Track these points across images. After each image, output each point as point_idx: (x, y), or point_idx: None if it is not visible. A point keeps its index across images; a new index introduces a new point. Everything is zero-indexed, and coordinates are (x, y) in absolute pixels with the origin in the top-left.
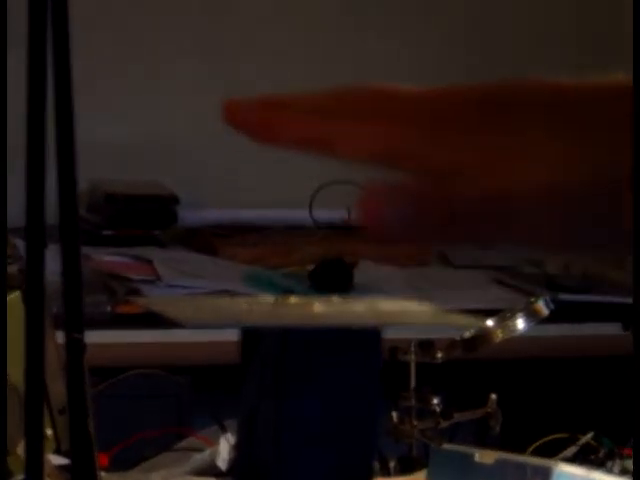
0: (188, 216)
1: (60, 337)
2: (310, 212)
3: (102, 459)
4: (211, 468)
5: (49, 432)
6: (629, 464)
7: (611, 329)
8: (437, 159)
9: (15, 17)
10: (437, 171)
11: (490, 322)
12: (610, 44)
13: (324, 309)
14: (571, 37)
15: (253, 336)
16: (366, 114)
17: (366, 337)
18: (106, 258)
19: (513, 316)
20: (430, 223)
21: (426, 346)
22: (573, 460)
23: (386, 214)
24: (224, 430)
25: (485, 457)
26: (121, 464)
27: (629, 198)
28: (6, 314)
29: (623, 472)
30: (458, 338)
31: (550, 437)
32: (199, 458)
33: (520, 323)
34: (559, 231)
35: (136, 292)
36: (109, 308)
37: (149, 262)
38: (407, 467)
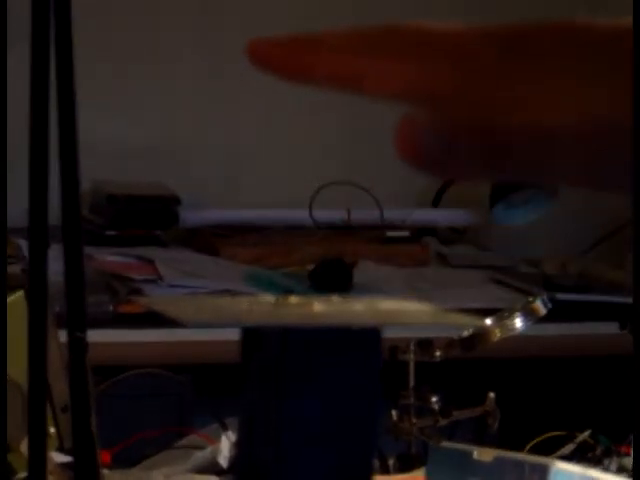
0: (189, 216)
1: (63, 336)
2: (310, 212)
3: (104, 457)
4: (212, 466)
5: (52, 430)
6: (626, 462)
7: (608, 328)
8: (468, 98)
9: (17, 17)
10: (469, 110)
11: (488, 321)
12: None
13: (324, 309)
14: None
15: (253, 335)
16: (397, 52)
17: (366, 337)
18: (108, 258)
19: (511, 315)
20: (468, 152)
21: (425, 345)
22: (570, 458)
23: (424, 139)
24: (225, 428)
25: (483, 455)
26: (123, 462)
27: None
28: (6, 314)
29: (620, 470)
30: (457, 337)
31: (548, 435)
32: (200, 456)
33: (518, 322)
34: (589, 167)
35: (138, 292)
36: (111, 308)
37: (151, 262)
38: (406, 465)
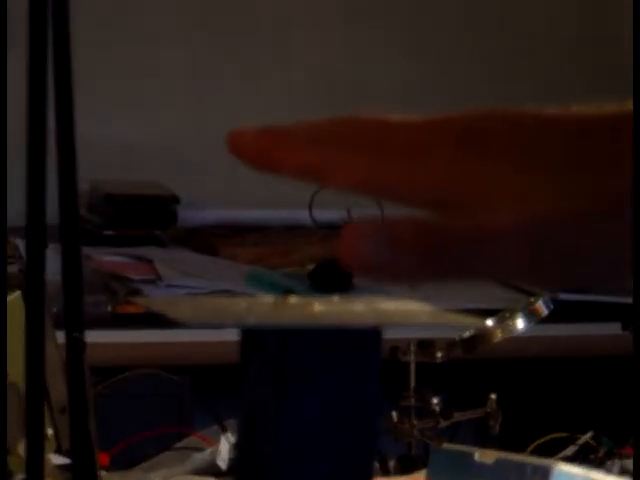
0: (188, 216)
1: (60, 336)
2: (310, 212)
3: (103, 458)
4: (211, 467)
5: (50, 432)
6: (628, 464)
7: (610, 329)
8: (419, 191)
9: (15, 17)
10: (419, 203)
11: (490, 322)
12: (610, 67)
13: (324, 309)
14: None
15: (253, 336)
16: (355, 144)
17: (366, 337)
18: (106, 258)
19: (512, 316)
20: (407, 260)
21: (426, 346)
22: (572, 460)
23: (364, 248)
24: (224, 430)
25: (485, 457)
26: (122, 463)
27: (604, 228)
28: (6, 314)
29: (622, 472)
30: (458, 338)
31: (550, 437)
32: (199, 457)
33: (519, 323)
34: (543, 264)
35: (136, 292)
36: (109, 308)
37: (149, 262)
38: (407, 466)
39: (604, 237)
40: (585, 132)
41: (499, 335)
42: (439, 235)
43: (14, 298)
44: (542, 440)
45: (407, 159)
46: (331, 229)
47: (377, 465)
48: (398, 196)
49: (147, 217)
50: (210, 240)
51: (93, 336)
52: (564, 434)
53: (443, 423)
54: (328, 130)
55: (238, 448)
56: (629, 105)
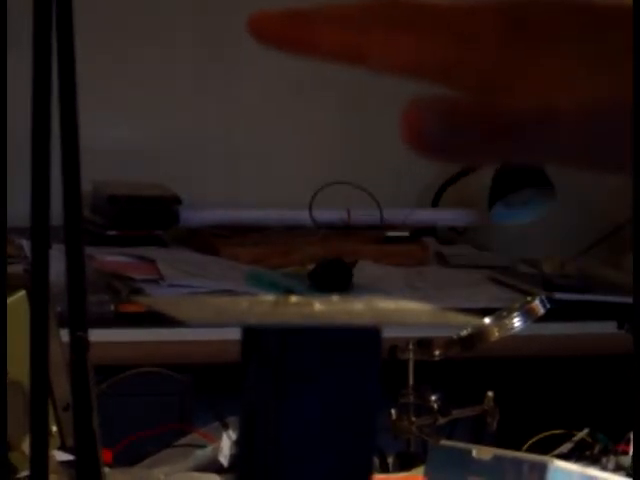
0: (190, 217)
1: (64, 335)
2: (310, 212)
3: (106, 455)
4: (213, 464)
5: (54, 429)
6: (624, 460)
7: (606, 328)
8: (469, 74)
9: (19, 19)
10: (468, 86)
11: (487, 321)
12: None
13: (324, 308)
14: None
15: (253, 335)
16: (398, 26)
17: (366, 336)
18: (109, 258)
19: (510, 315)
20: (472, 136)
21: (425, 345)
22: (569, 456)
23: (429, 125)
24: (226, 427)
25: (482, 453)
26: (125, 460)
27: None
28: (6, 314)
29: (618, 468)
30: (456, 337)
31: (546, 433)
32: (201, 454)
33: (516, 322)
34: (590, 147)
35: (139, 291)
36: (112, 307)
37: (152, 262)
38: (405, 463)
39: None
40: (628, 23)
41: (496, 334)
42: (500, 114)
43: (19, 298)
44: (539, 437)
45: (456, 42)
46: (331, 229)
47: (376, 462)
48: (446, 79)
49: (149, 218)
50: (211, 240)
51: (96, 335)
52: (560, 431)
53: (441, 420)
54: (368, 10)
55: (239, 445)
56: None
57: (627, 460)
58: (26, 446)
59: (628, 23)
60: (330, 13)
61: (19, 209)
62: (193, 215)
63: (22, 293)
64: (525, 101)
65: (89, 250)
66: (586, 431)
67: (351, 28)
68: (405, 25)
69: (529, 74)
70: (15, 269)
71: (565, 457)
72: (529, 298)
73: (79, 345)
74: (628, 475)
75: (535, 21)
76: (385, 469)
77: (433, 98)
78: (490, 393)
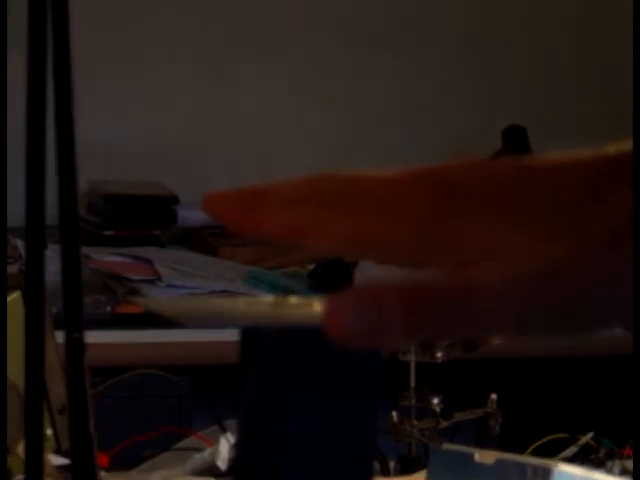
0: (188, 216)
1: (60, 337)
2: None
3: (102, 459)
4: (211, 468)
5: (49, 432)
6: (629, 464)
7: (611, 329)
8: (397, 250)
9: (15, 17)
10: (399, 261)
11: None
12: (611, 67)
13: (323, 309)
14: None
15: (252, 336)
16: (331, 205)
17: None
18: (106, 258)
19: None
20: (395, 324)
21: (426, 346)
22: (573, 460)
23: (349, 317)
24: (224, 430)
25: (485, 457)
26: (121, 464)
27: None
28: (6, 314)
29: (623, 472)
30: (451, 341)
31: (550, 437)
32: (199, 458)
33: None
34: (528, 318)
35: (136, 292)
36: (109, 308)
37: (149, 262)
38: (407, 467)
39: (599, 279)
40: (563, 181)
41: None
42: (421, 299)
43: (14, 298)
44: (542, 441)
45: (383, 217)
46: None
47: (377, 465)
48: (378, 255)
49: (146, 217)
50: (209, 240)
51: (93, 336)
52: (564, 434)
53: (443, 423)
54: (301, 189)
55: (238, 448)
56: (625, 146)
57: (632, 464)
58: (21, 449)
59: (561, 181)
60: (276, 193)
61: (14, 208)
62: (191, 214)
63: (17, 294)
64: (449, 277)
65: (85, 250)
66: (591, 435)
67: (289, 210)
68: (337, 202)
69: (453, 248)
70: (10, 269)
71: (569, 461)
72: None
73: (75, 346)
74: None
75: (464, 186)
76: (386, 473)
77: (352, 291)
78: (493, 395)
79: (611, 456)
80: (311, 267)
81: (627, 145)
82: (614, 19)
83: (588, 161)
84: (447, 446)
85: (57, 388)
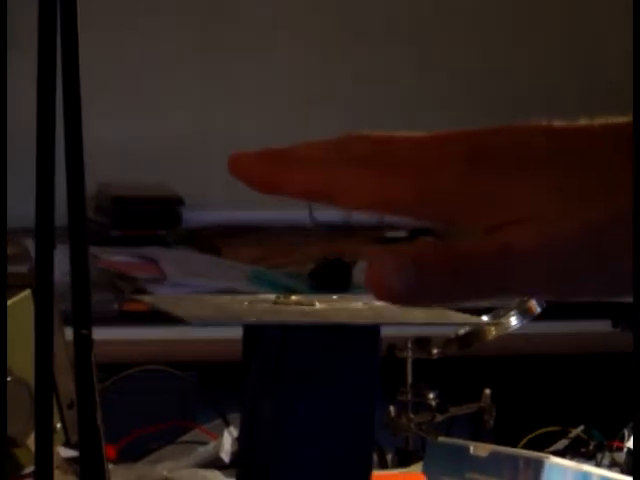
0: (192, 217)
1: (69, 334)
2: (310, 212)
3: (110, 451)
4: (215, 460)
5: (58, 425)
6: (618, 456)
7: (601, 326)
8: (431, 209)
9: (24, 20)
10: (432, 220)
11: (484, 319)
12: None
13: (324, 308)
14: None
15: (254, 333)
16: (363, 164)
17: (365, 335)
18: (113, 258)
19: (507, 314)
20: (434, 286)
21: (423, 343)
22: (564, 453)
23: (391, 281)
24: (227, 424)
25: (479, 450)
26: (128, 456)
27: (621, 241)
28: (6, 314)
29: (612, 464)
30: (453, 335)
31: (542, 430)
32: (203, 451)
33: (513, 320)
34: (560, 280)
35: (142, 290)
36: (116, 306)
37: (155, 262)
38: (404, 459)
39: (619, 251)
40: (596, 145)
41: (493, 332)
42: (461, 256)
43: (24, 297)
44: (535, 434)
45: (417, 177)
46: (331, 229)
47: (375, 458)
48: (411, 214)
49: (152, 218)
50: (213, 240)
51: (100, 333)
52: (556, 428)
53: (439, 417)
54: (332, 149)
55: (240, 441)
56: None
57: (621, 456)
58: (31, 442)
59: (586, 146)
60: (301, 154)
61: (24, 210)
62: (195, 215)
63: (28, 292)
64: (481, 246)
65: (93, 250)
66: (581, 428)
67: (319, 169)
68: (370, 162)
69: (488, 208)
70: (20, 269)
71: (561, 453)
72: (526, 297)
73: (83, 343)
74: (622, 471)
75: (492, 151)
76: (384, 465)
77: (393, 250)
78: (487, 391)
79: (601, 448)
80: (311, 267)
81: None
82: (614, 19)
83: (619, 128)
84: (443, 439)
85: (66, 383)
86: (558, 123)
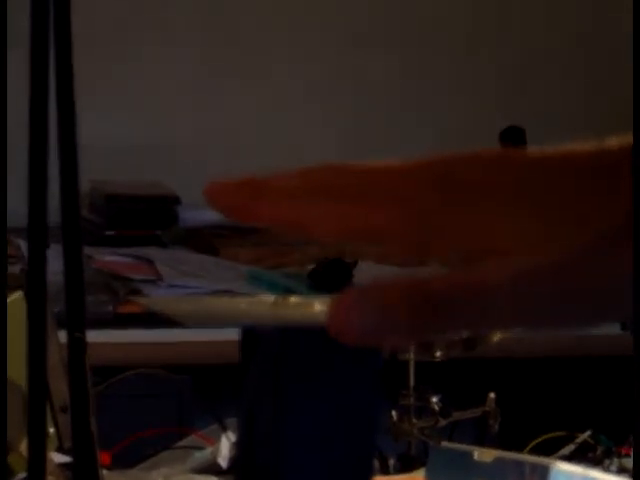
0: (189, 216)
1: (62, 336)
2: None
3: (104, 457)
4: (212, 466)
5: (51, 430)
6: (626, 462)
7: (609, 329)
8: (401, 238)
9: (16, 17)
10: (402, 249)
11: None
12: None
13: (324, 308)
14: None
15: (253, 335)
16: (333, 193)
17: None
18: (108, 258)
19: None
20: (398, 327)
21: (425, 345)
22: (571, 458)
23: (351, 322)
24: (224, 428)
25: (484, 455)
26: (123, 462)
27: (609, 261)
28: (6, 314)
29: (620, 470)
30: (457, 337)
31: (548, 435)
32: (200, 456)
33: None
34: (534, 312)
35: (137, 292)
36: (111, 308)
37: (150, 262)
38: (406, 465)
39: (601, 273)
40: (570, 171)
41: (498, 335)
42: (426, 298)
43: (16, 298)
44: (541, 439)
45: (388, 206)
46: None
47: (377, 464)
48: (383, 243)
49: (148, 217)
50: (210, 240)
51: (94, 336)
52: (562, 433)
53: (442, 422)
54: (305, 180)
55: (238, 447)
56: (627, 139)
57: (630, 462)
58: (24, 447)
59: (561, 172)
60: (277, 184)
61: (16, 209)
62: (192, 215)
63: (19, 294)
64: (450, 280)
65: (87, 250)
66: (588, 433)
67: (294, 200)
68: (336, 191)
69: (458, 239)
70: (12, 269)
71: (567, 459)
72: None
73: (77, 346)
74: (631, 477)
75: (464, 180)
76: (386, 471)
77: (356, 289)
78: (492, 394)
79: (608, 454)
80: (310, 267)
81: (628, 138)
82: (614, 19)
83: (589, 155)
84: (446, 444)
85: (59, 387)
86: (527, 152)
